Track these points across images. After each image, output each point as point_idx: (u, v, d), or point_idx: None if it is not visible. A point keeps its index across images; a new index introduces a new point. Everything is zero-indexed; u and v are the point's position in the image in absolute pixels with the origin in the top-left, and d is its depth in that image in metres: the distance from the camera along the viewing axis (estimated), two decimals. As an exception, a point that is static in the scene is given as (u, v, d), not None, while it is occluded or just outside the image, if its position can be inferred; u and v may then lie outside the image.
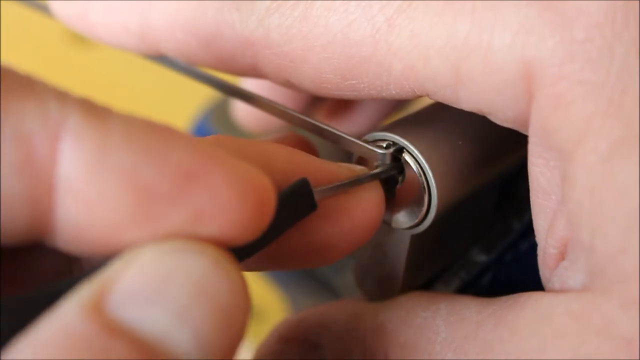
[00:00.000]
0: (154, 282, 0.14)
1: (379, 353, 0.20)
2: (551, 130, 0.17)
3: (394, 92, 0.19)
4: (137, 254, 0.14)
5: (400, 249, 0.22)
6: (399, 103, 0.33)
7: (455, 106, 0.19)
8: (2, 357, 0.13)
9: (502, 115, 0.18)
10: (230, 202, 0.15)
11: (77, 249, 0.15)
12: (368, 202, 0.19)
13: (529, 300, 0.18)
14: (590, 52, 0.16)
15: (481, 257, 0.24)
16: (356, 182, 0.19)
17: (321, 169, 0.19)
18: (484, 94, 0.18)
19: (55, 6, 0.24)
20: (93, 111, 0.15)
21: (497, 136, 0.21)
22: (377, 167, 0.20)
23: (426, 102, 0.21)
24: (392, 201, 0.21)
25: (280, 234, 0.18)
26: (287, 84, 0.21)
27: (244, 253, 0.16)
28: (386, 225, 0.21)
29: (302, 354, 0.22)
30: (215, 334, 0.14)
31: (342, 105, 0.33)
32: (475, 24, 0.17)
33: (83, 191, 0.14)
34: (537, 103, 0.17)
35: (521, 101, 0.18)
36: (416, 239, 0.21)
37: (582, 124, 0.16)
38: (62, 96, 0.15)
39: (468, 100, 0.18)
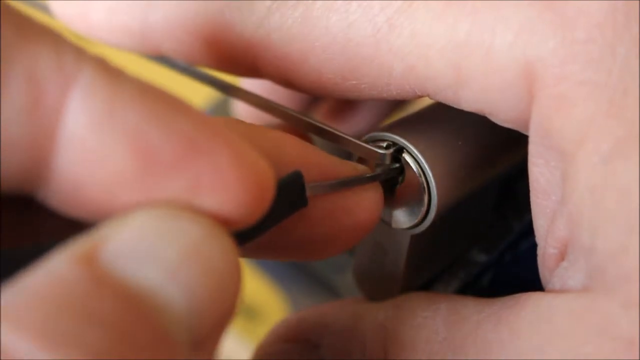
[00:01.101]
0: (147, 242, 0.14)
1: (378, 353, 0.20)
2: (552, 131, 0.17)
3: (394, 92, 0.19)
4: (133, 215, 0.14)
5: (400, 249, 0.22)
6: (399, 103, 0.33)
7: (456, 106, 0.19)
8: None
9: (503, 115, 0.18)
10: (231, 179, 0.15)
11: (69, 207, 0.15)
12: (368, 201, 0.19)
13: (529, 301, 0.18)
14: (592, 53, 0.16)
15: (481, 257, 0.24)
16: (355, 182, 0.19)
17: (327, 164, 0.19)
18: (485, 94, 0.18)
19: (55, 6, 0.24)
20: (107, 69, 0.15)
21: (497, 136, 0.21)
22: (377, 166, 0.20)
23: (426, 102, 0.21)
24: (392, 201, 0.21)
25: (272, 226, 0.17)
26: (288, 85, 0.21)
27: (237, 241, 0.16)
28: (386, 225, 0.21)
29: (301, 353, 0.22)
30: (206, 295, 0.14)
31: (342, 105, 0.33)
32: (476, 24, 0.17)
33: (86, 145, 0.14)
34: (538, 103, 0.17)
35: (522, 101, 0.18)
36: (416, 239, 0.21)
37: (584, 124, 0.16)
38: (79, 49, 0.15)
39: (469, 100, 0.18)
